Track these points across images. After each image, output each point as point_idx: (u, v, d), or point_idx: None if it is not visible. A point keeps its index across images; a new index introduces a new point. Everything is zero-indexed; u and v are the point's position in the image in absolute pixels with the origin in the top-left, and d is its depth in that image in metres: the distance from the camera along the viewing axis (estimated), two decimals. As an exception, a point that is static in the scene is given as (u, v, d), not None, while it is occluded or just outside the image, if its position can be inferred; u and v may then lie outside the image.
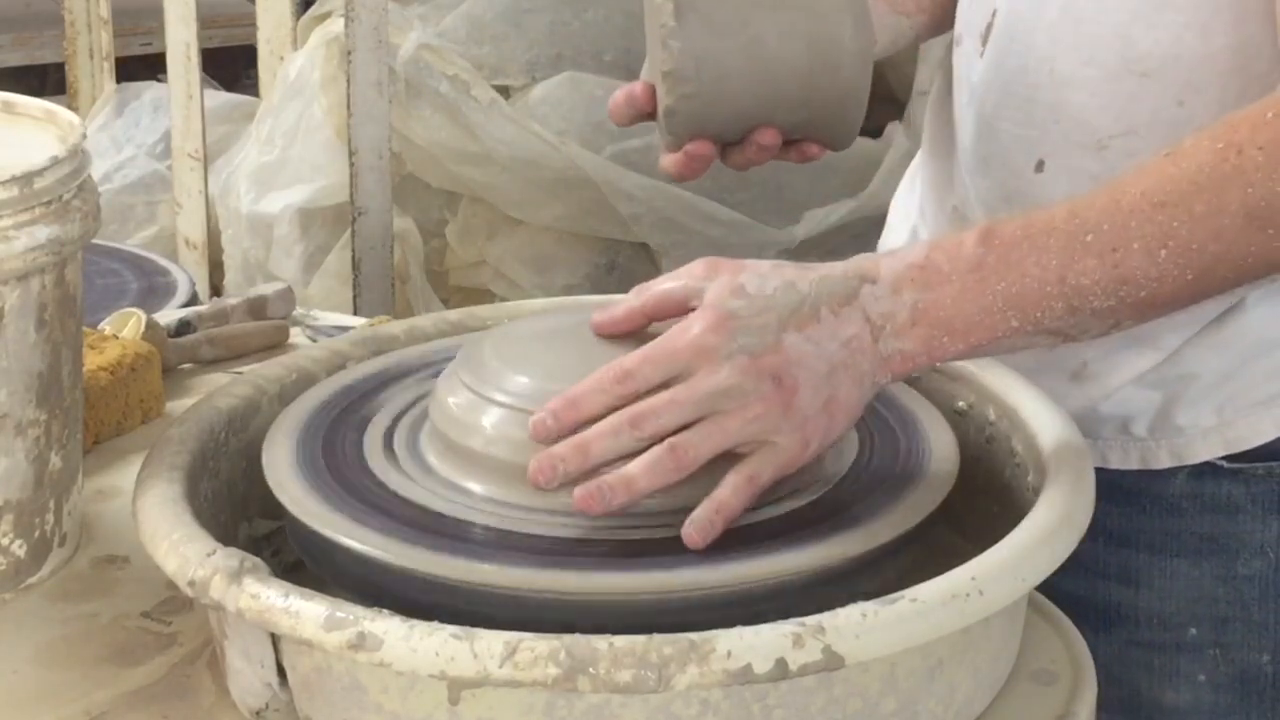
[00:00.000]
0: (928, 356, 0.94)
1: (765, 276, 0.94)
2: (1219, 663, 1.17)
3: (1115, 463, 1.16)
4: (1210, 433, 1.14)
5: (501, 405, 0.94)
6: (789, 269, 0.95)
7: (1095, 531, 1.14)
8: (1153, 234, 0.92)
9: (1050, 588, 1.15)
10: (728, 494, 0.90)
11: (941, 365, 1.08)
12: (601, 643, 0.78)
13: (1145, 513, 1.17)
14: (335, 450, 0.99)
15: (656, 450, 0.90)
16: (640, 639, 0.78)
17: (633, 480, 0.89)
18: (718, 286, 0.93)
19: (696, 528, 0.89)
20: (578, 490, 0.89)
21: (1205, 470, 1.15)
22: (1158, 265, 0.92)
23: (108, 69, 3.61)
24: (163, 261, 2.29)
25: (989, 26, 1.14)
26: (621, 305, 0.97)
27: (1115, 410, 1.16)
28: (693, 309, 0.94)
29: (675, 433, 0.90)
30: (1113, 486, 1.14)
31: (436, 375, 1.02)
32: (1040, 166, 1.13)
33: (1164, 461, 1.16)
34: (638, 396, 0.91)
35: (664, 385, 0.91)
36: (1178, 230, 0.92)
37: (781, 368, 0.91)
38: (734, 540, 0.89)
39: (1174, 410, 1.15)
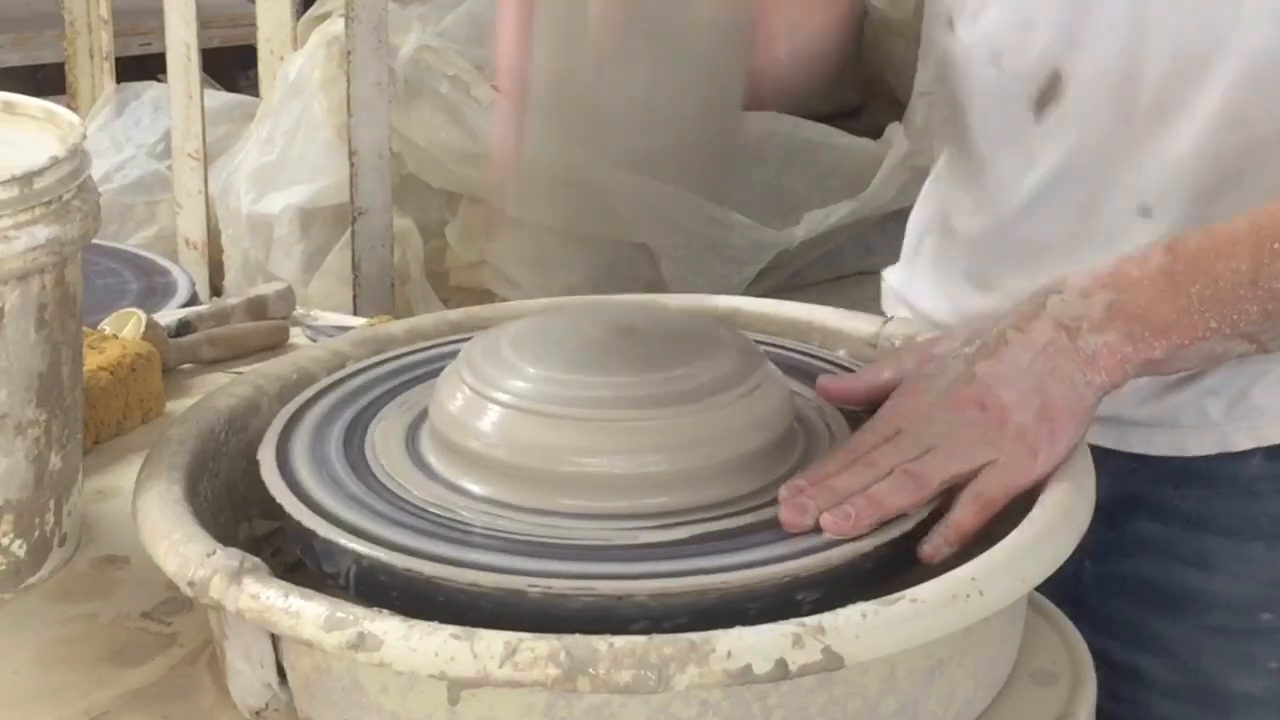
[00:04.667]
0: (1133, 349, 0.95)
1: (954, 338, 0.98)
2: None
3: (1193, 449, 1.14)
4: None
5: (503, 405, 0.94)
6: (974, 323, 0.99)
7: (1170, 515, 1.15)
8: None
9: (1125, 571, 1.16)
10: (959, 514, 0.92)
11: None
12: (601, 643, 0.78)
13: (1222, 495, 1.15)
14: (335, 450, 0.99)
15: (897, 474, 0.92)
16: (640, 639, 0.78)
17: (880, 499, 0.91)
18: (917, 359, 0.99)
19: (930, 545, 0.91)
20: (825, 515, 0.90)
21: None
22: None
23: (108, 69, 3.62)
24: (163, 261, 2.29)
25: (1048, 92, 1.12)
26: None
27: (1193, 395, 1.14)
28: None
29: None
30: (1188, 470, 1.14)
31: (437, 375, 1.01)
32: (1147, 212, 1.10)
33: (1242, 444, 1.14)
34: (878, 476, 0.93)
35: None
36: None
37: (980, 395, 0.94)
38: (740, 539, 0.89)
39: (1253, 391, 1.13)
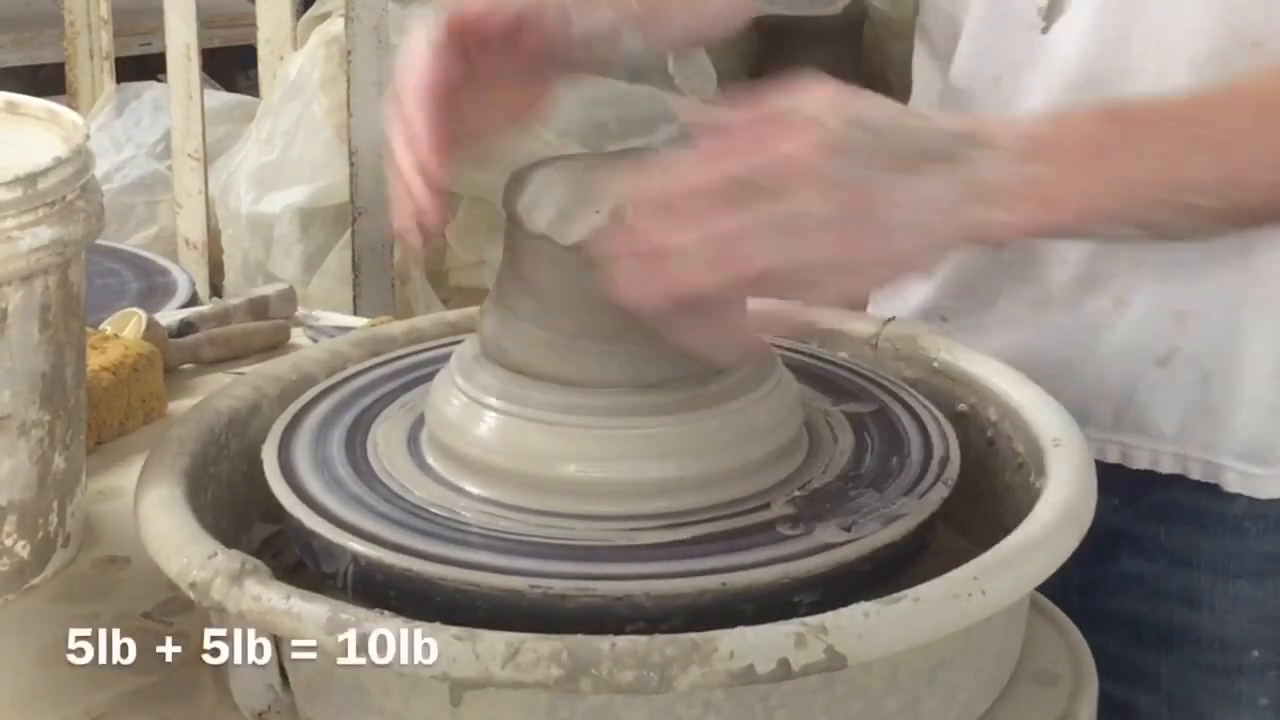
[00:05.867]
0: (1018, 229, 0.90)
1: (881, 110, 0.90)
2: None
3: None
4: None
5: (496, 411, 0.95)
6: (906, 113, 0.92)
7: (1156, 551, 1.14)
8: (1264, 134, 0.90)
9: (1111, 608, 1.15)
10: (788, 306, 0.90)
11: (942, 366, 1.09)
12: (603, 643, 0.78)
13: (1207, 533, 1.14)
14: (337, 451, 0.99)
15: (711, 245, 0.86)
16: (642, 639, 0.78)
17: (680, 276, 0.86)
18: (830, 110, 0.89)
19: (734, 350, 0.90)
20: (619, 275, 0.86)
21: None
22: (1275, 170, 0.90)
23: (108, 69, 3.62)
24: (163, 261, 2.29)
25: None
26: (723, 118, 0.90)
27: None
28: None
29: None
30: (1174, 506, 1.13)
31: (433, 376, 1.01)
32: None
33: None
34: (718, 203, 0.86)
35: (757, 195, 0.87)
36: None
37: (870, 206, 0.87)
38: (739, 541, 0.89)
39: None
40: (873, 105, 0.91)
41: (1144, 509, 1.14)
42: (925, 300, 1.25)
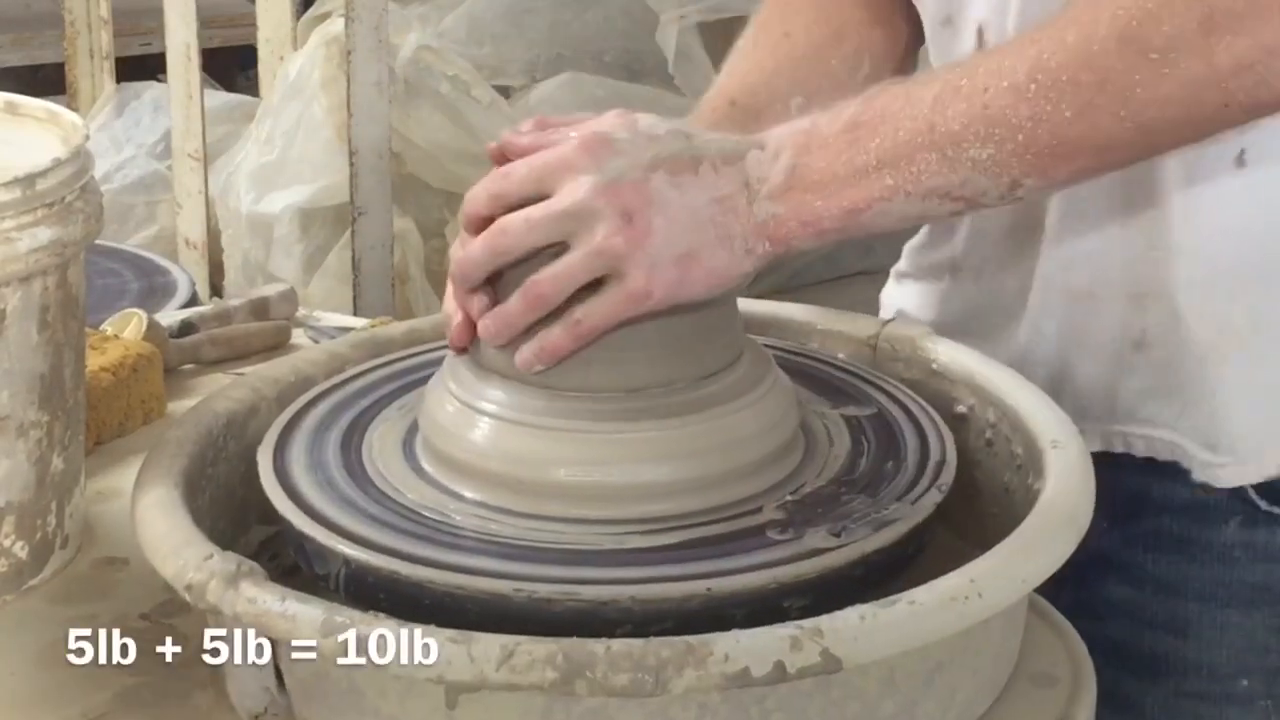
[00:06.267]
0: (799, 222, 0.92)
1: (660, 122, 0.93)
2: (1270, 715, 1.13)
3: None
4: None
5: (489, 415, 0.95)
6: (694, 128, 0.94)
7: (1143, 580, 1.12)
8: (1024, 69, 0.88)
9: (1096, 633, 1.13)
10: (557, 335, 0.92)
11: (940, 368, 1.09)
12: (598, 646, 0.78)
13: (1195, 561, 1.12)
14: (333, 454, 0.99)
15: (515, 295, 0.92)
16: (637, 642, 0.78)
17: (505, 321, 0.92)
18: (609, 118, 0.92)
19: (521, 362, 0.92)
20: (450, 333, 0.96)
21: (1259, 518, 1.11)
22: (1028, 102, 0.87)
23: (108, 69, 3.61)
24: (163, 261, 2.29)
25: None
26: (529, 135, 0.95)
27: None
28: None
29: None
30: (1161, 535, 1.12)
31: (429, 379, 1.01)
32: (1241, 160, 1.05)
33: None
34: (510, 206, 0.92)
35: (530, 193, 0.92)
36: (1047, 62, 0.87)
37: (637, 205, 0.89)
38: (727, 545, 0.89)
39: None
40: (658, 118, 0.93)
41: (1132, 535, 1.13)
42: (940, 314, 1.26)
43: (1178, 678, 1.14)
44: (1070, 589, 1.11)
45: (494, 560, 0.87)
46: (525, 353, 0.92)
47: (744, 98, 1.12)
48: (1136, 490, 1.13)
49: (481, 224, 0.94)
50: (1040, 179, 0.90)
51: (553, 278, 0.91)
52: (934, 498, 0.94)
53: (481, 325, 0.94)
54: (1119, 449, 1.14)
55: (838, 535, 0.90)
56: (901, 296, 1.29)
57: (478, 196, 0.93)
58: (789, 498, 0.94)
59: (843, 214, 0.91)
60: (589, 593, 0.84)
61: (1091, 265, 1.11)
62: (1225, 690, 1.13)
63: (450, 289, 0.98)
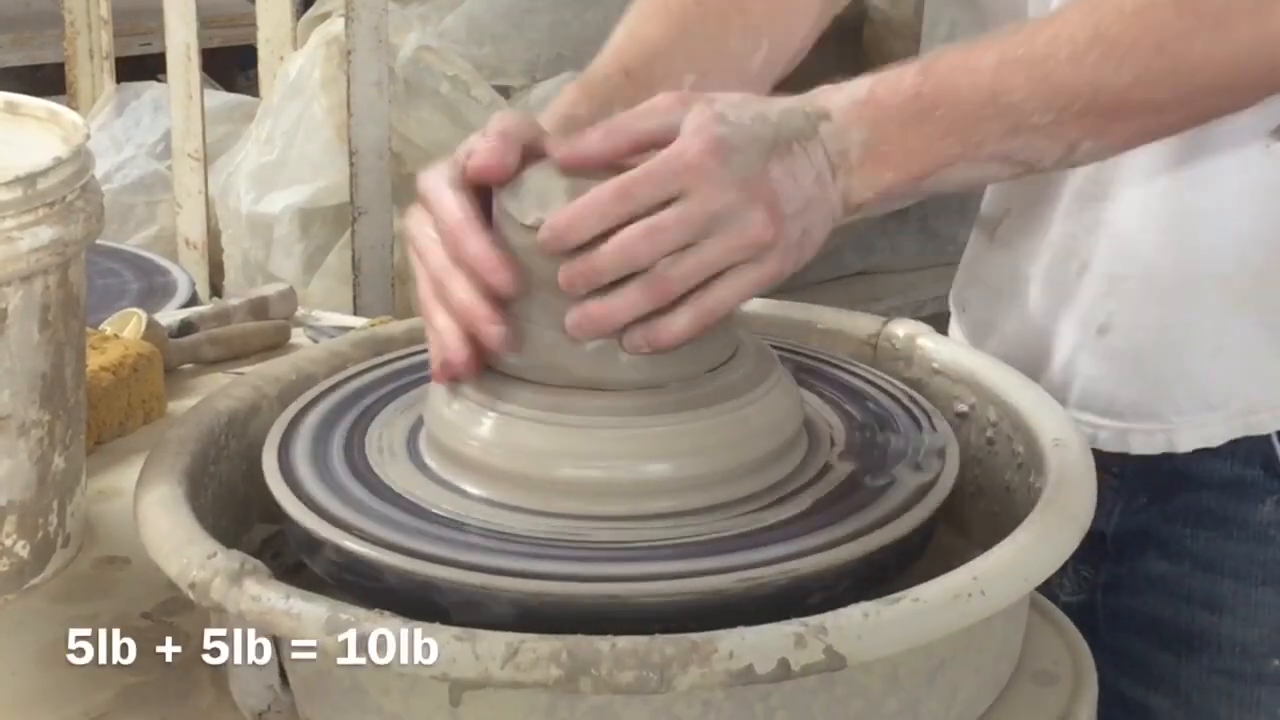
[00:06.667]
0: (874, 193, 0.94)
1: (739, 106, 0.93)
2: None
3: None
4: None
5: (494, 411, 0.95)
6: (755, 101, 0.94)
7: (1180, 555, 1.13)
8: (1084, 38, 0.91)
9: (1134, 608, 1.13)
10: (684, 319, 0.91)
11: (942, 367, 1.09)
12: (603, 643, 0.78)
13: (1233, 539, 1.13)
14: (335, 452, 0.99)
15: (637, 284, 0.89)
16: (642, 640, 0.78)
17: (612, 312, 0.90)
18: (698, 114, 0.92)
19: (630, 343, 0.91)
20: (568, 319, 0.91)
21: None
22: (1089, 68, 0.90)
23: (108, 69, 3.61)
24: (163, 261, 2.28)
25: None
26: (593, 142, 0.94)
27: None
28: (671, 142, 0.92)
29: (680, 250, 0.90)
30: (1201, 511, 1.12)
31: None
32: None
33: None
34: (635, 217, 0.90)
35: (663, 206, 0.90)
36: (1108, 29, 0.90)
37: (772, 197, 0.91)
38: (729, 543, 0.89)
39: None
40: (725, 103, 0.93)
41: (1172, 511, 1.14)
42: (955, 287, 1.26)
43: (1212, 654, 1.14)
44: (1110, 564, 1.11)
45: (501, 557, 0.87)
46: (636, 337, 0.91)
47: (640, 69, 1.11)
48: (1177, 466, 1.13)
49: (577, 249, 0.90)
50: (1097, 141, 0.94)
51: (685, 273, 0.90)
52: (939, 495, 0.94)
53: (582, 313, 0.91)
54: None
55: (854, 530, 0.90)
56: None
57: (587, 217, 0.90)
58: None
59: (911, 181, 0.94)
60: (598, 589, 0.84)
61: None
62: (1257, 670, 1.14)
63: (434, 314, 0.96)
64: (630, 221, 0.89)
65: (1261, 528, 1.12)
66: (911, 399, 1.05)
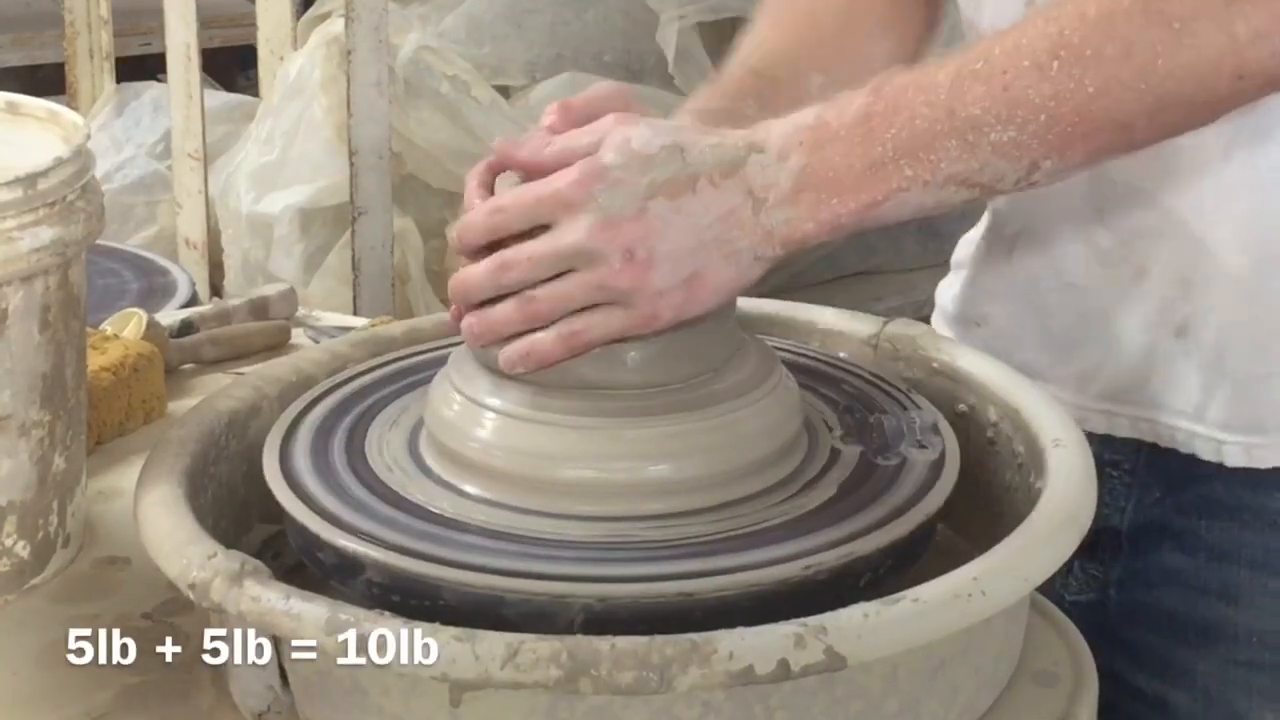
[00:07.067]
0: (815, 223, 0.91)
1: (657, 134, 0.91)
2: None
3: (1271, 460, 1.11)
4: None
5: (495, 412, 0.95)
6: (688, 132, 0.93)
7: (1195, 547, 1.12)
8: (1044, 47, 0.87)
9: (1149, 602, 1.12)
10: (549, 340, 0.92)
11: (942, 367, 1.09)
12: (603, 644, 0.78)
13: (1248, 528, 1.12)
14: (336, 453, 0.99)
15: (510, 302, 0.92)
16: (642, 640, 0.78)
17: (496, 325, 0.92)
18: (609, 139, 0.91)
19: (504, 360, 0.92)
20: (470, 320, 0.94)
21: None
22: (1050, 80, 0.87)
23: (108, 69, 3.61)
24: (163, 261, 2.29)
25: None
26: (522, 149, 0.95)
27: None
28: None
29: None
30: (1214, 502, 1.12)
31: (433, 377, 1.01)
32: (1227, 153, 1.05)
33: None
34: (506, 232, 0.92)
35: (531, 234, 0.92)
36: (1069, 38, 0.87)
37: (636, 239, 0.89)
38: (728, 543, 0.89)
39: None
40: (650, 129, 0.92)
41: (1185, 503, 1.13)
42: (959, 305, 1.26)
43: (1229, 645, 1.14)
44: (1124, 559, 1.11)
45: (502, 558, 0.87)
46: (510, 353, 0.92)
47: (766, 70, 1.11)
48: (1188, 457, 1.13)
49: (478, 253, 0.94)
50: (1059, 160, 0.90)
51: (552, 298, 0.91)
52: (941, 494, 0.94)
53: (466, 323, 0.94)
54: (1149, 439, 1.13)
55: (855, 530, 0.90)
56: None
57: (474, 227, 0.94)
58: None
59: (860, 209, 0.90)
60: (595, 589, 0.84)
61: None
62: (1276, 659, 1.13)
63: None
64: (509, 236, 0.92)
65: (1276, 516, 1.12)
66: (878, 377, 1.06)
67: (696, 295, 0.91)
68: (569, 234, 0.90)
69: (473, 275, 0.93)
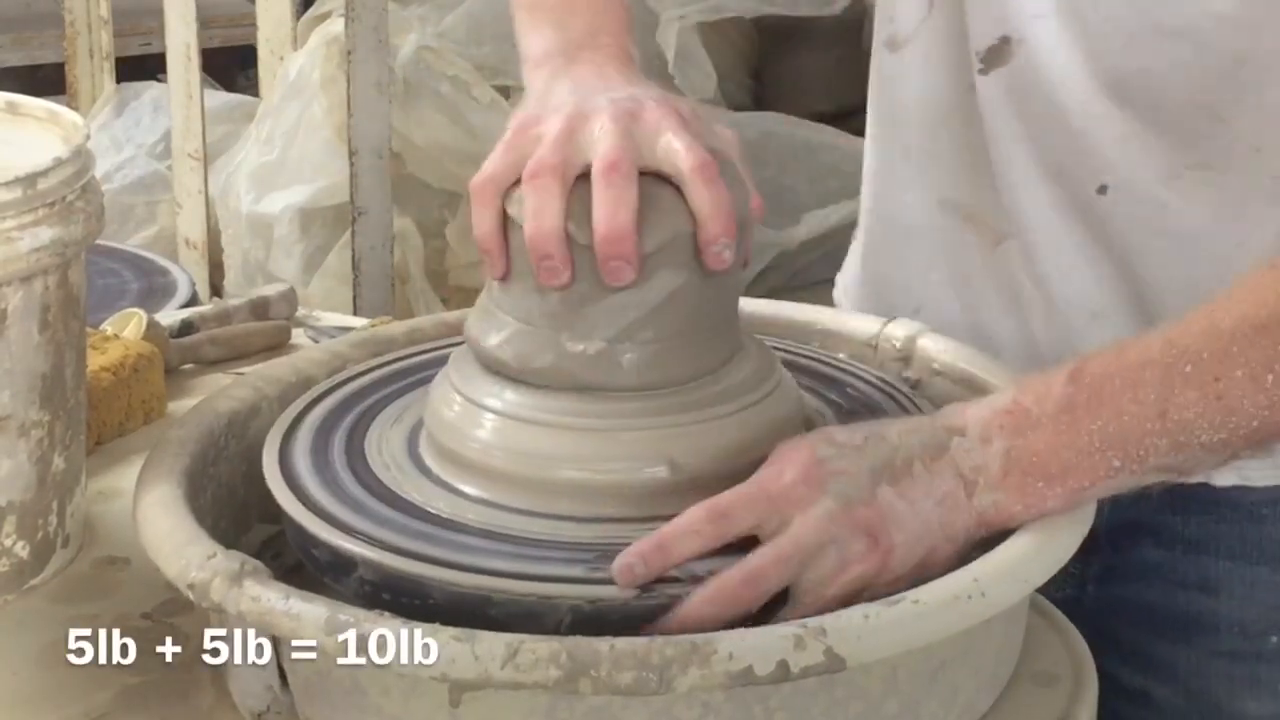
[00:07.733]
0: (1024, 506, 0.90)
1: (852, 429, 0.92)
2: None
3: (1219, 480, 1.12)
4: None
5: (494, 413, 0.95)
6: (871, 423, 0.93)
7: (1172, 540, 1.13)
8: (1258, 359, 0.88)
9: (1128, 596, 1.12)
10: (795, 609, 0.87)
11: (942, 368, 1.09)
12: (603, 645, 0.78)
13: (1225, 520, 1.13)
14: (336, 453, 0.99)
15: (736, 576, 0.86)
16: (642, 641, 0.78)
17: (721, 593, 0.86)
18: (809, 439, 0.91)
19: (690, 604, 0.86)
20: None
21: None
22: (1265, 392, 0.88)
23: (108, 69, 3.62)
24: (163, 261, 2.29)
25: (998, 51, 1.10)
26: (688, 522, 0.89)
27: None
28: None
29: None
30: (1189, 496, 1.12)
31: (433, 378, 1.01)
32: (1103, 190, 1.08)
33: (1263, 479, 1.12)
34: (729, 538, 0.88)
35: (754, 529, 0.88)
36: None
37: (877, 524, 0.89)
38: (724, 546, 0.89)
39: None
40: (840, 427, 0.93)
41: (1163, 500, 1.14)
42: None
43: (1210, 637, 1.14)
44: (1103, 555, 1.11)
45: (502, 559, 0.87)
46: (697, 598, 0.86)
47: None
48: None
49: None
50: (1258, 449, 0.92)
51: (812, 589, 0.88)
52: None
53: (700, 599, 0.86)
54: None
55: None
56: None
57: (683, 542, 0.87)
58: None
59: (1067, 494, 0.91)
60: (581, 591, 0.84)
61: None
62: (1256, 648, 1.14)
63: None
64: (724, 541, 0.87)
65: (1254, 507, 1.13)
66: (879, 378, 1.06)
67: (925, 574, 0.89)
68: (810, 527, 0.87)
69: (698, 606, 0.85)
